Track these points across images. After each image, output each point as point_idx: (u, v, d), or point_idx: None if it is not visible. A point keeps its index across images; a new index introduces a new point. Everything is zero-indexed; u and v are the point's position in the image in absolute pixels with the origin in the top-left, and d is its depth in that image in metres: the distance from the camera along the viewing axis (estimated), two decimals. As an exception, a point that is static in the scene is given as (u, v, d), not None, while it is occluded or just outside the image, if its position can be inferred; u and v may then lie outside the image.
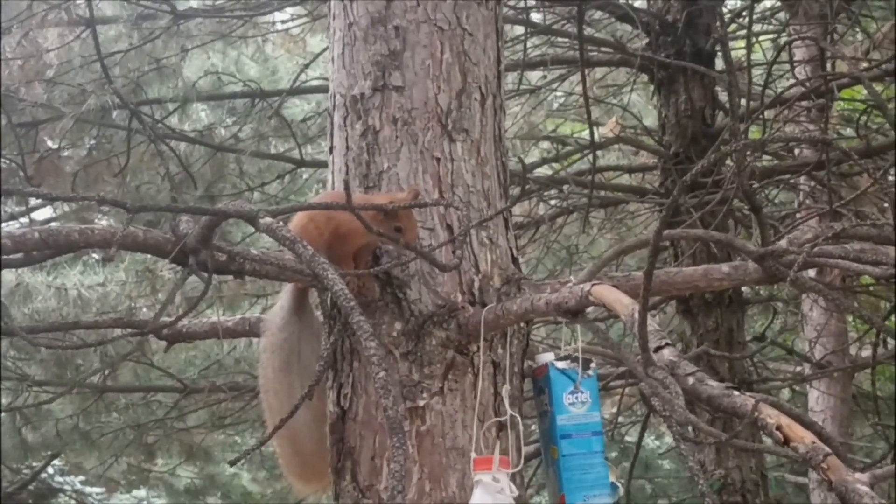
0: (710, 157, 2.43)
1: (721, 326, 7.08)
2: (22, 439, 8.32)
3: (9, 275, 7.67)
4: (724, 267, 3.28)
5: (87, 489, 12.43)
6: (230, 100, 7.95)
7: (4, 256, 2.80)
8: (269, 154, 7.92)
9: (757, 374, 7.86)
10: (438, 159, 3.36)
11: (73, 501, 12.41)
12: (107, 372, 7.86)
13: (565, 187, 7.27)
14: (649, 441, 12.63)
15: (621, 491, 3.25)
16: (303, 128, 8.00)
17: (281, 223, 2.39)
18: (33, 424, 8.12)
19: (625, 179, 8.67)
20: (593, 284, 2.85)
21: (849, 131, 8.31)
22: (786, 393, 10.10)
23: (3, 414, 8.18)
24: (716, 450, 6.97)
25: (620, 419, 9.22)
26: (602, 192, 7.69)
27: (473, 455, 3.14)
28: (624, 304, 2.71)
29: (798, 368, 9.64)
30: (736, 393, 2.45)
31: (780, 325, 9.76)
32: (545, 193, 7.66)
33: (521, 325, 3.39)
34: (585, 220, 6.99)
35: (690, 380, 2.51)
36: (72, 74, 7.46)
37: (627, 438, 10.81)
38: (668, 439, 12.57)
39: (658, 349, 2.58)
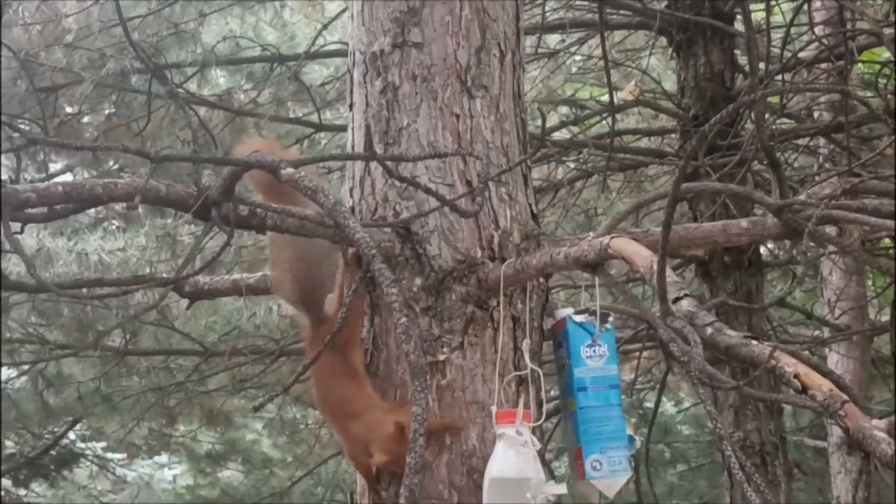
0: (731, 108, 2.44)
1: (740, 289, 7.08)
2: (44, 402, 8.39)
3: (30, 240, 7.69)
4: (743, 222, 3.30)
5: (109, 455, 12.50)
6: (248, 64, 7.96)
7: (29, 211, 2.83)
8: (288, 118, 7.94)
9: (776, 338, 7.86)
10: (458, 116, 3.37)
11: (94, 467, 12.48)
12: (128, 336, 7.91)
13: (584, 150, 7.26)
14: (668, 406, 12.65)
15: (639, 444, 3.26)
16: (321, 92, 8.01)
17: (302, 173, 2.41)
18: (55, 388, 8.19)
19: (644, 144, 8.66)
20: (612, 237, 2.86)
21: (868, 95, 8.29)
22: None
23: (25, 377, 8.26)
24: (734, 412, 6.98)
25: (637, 385, 9.25)
26: (621, 156, 7.69)
27: (495, 409, 3.17)
28: (643, 256, 2.73)
29: (817, 332, 9.64)
30: (754, 342, 2.47)
31: (799, 287, 9.76)
32: (564, 157, 7.66)
33: (541, 280, 3.41)
34: (604, 183, 7.00)
35: (709, 330, 2.53)
36: (91, 39, 7.48)
37: (646, 404, 10.82)
38: (688, 404, 12.60)
39: (676, 300, 2.60)
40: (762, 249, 7.87)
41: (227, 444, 11.85)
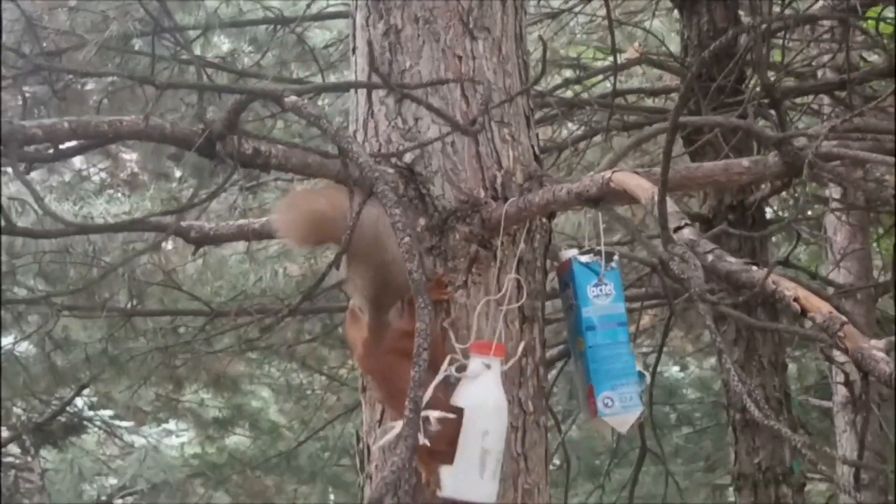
0: (732, 34, 2.45)
1: (744, 247, 7.08)
2: (51, 364, 8.42)
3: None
4: (745, 161, 3.32)
5: (117, 422, 12.55)
6: (252, 26, 7.97)
7: (36, 149, 2.85)
8: (292, 80, 7.93)
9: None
10: (460, 57, 3.39)
11: (102, 433, 12.53)
12: (134, 300, 7.94)
13: (587, 108, 7.26)
14: (673, 371, 12.70)
15: (648, 379, 3.30)
16: (324, 55, 8.01)
17: (305, 101, 2.43)
18: (62, 350, 8.22)
19: (648, 105, 8.65)
20: (614, 171, 2.89)
21: (874, 58, 8.31)
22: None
23: (31, 341, 8.30)
24: (739, 369, 7.00)
25: (641, 349, 9.30)
26: (625, 117, 7.68)
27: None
28: (644, 188, 2.75)
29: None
30: (755, 268, 2.49)
31: (804, 247, 9.78)
32: (567, 118, 7.65)
33: (544, 221, 3.43)
34: (607, 142, 7.00)
35: (710, 257, 2.54)
36: (94, 3, 7.48)
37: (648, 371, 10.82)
38: (693, 367, 12.65)
39: (678, 229, 2.62)
40: (767, 209, 7.89)
41: (234, 409, 11.91)
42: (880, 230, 9.54)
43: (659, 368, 8.71)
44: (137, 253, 4.44)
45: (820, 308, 2.37)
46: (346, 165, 2.68)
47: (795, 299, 2.40)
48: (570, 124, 8.12)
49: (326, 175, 3.03)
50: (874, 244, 9.48)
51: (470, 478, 3.02)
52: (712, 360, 11.74)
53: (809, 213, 9.13)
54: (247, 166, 2.90)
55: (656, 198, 2.59)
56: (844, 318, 2.33)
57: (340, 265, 2.72)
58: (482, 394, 3.04)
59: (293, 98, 2.39)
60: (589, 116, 7.52)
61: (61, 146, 2.86)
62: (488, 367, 3.07)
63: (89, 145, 2.91)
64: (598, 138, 7.71)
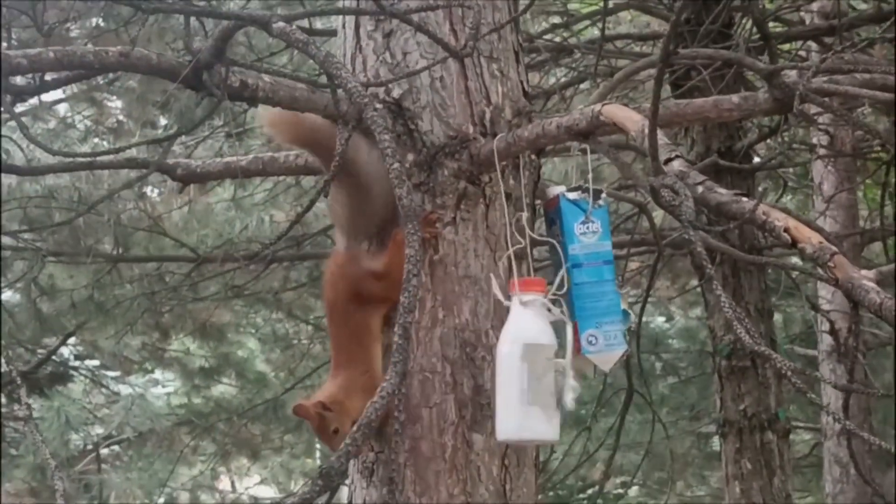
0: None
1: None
2: (37, 310, 8.41)
3: (20, 152, 7.67)
4: (735, 97, 3.30)
5: (103, 372, 12.53)
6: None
7: (21, 81, 2.82)
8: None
9: (767, 241, 7.88)
10: (449, -11, 3.35)
11: (88, 382, 12.50)
12: (119, 249, 7.92)
13: (575, 53, 7.22)
14: (659, 321, 12.70)
15: (633, 318, 3.30)
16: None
17: (294, 27, 2.41)
18: (48, 296, 8.20)
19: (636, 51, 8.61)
20: (604, 104, 2.87)
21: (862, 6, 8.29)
22: (797, 262, 10.14)
23: (18, 285, 8.28)
24: (725, 316, 7.00)
25: (629, 300, 9.29)
26: (613, 63, 7.65)
27: (516, 279, 3.17)
28: (634, 120, 2.73)
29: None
30: (745, 199, 2.48)
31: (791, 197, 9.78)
32: (555, 63, 7.61)
33: (533, 157, 3.42)
34: (595, 86, 6.96)
35: (700, 188, 2.54)
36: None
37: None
38: (678, 317, 12.66)
39: (668, 161, 2.61)
40: (755, 158, 7.90)
41: (220, 358, 11.90)
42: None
43: (645, 318, 8.72)
44: (124, 186, 4.40)
45: (810, 238, 2.37)
46: (335, 93, 2.65)
47: (786, 229, 2.39)
48: (557, 71, 8.07)
49: (315, 109, 3.01)
50: (860, 193, 9.47)
51: (549, 417, 3.03)
52: (698, 311, 11.76)
53: (797, 160, 9.13)
54: (234, 99, 2.88)
55: (646, 129, 2.58)
56: (834, 248, 2.32)
57: (328, 192, 2.69)
58: (551, 333, 3.06)
59: (281, 24, 2.37)
60: (577, 62, 7.48)
61: (46, 77, 2.83)
62: (549, 310, 3.09)
63: (75, 77, 2.88)
64: (585, 84, 7.68)
